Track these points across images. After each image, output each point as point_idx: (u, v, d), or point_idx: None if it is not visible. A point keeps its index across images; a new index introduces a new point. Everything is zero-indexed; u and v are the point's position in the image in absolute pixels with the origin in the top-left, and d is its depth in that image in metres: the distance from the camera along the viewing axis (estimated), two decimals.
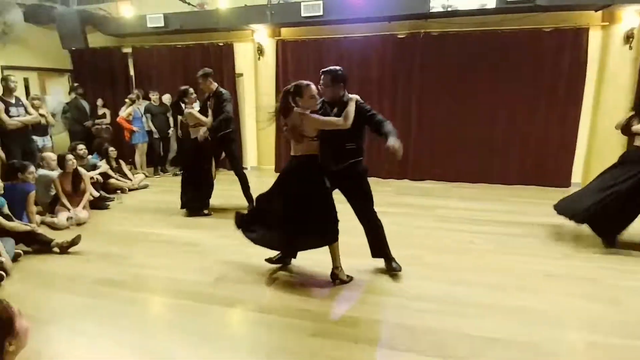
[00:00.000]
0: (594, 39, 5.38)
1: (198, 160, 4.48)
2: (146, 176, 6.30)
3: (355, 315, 2.49)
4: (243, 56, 6.71)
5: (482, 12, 5.30)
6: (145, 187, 5.87)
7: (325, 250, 2.89)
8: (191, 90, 4.42)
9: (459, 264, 3.22)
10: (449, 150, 6.05)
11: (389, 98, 6.19)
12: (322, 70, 2.81)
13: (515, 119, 5.75)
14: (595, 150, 5.53)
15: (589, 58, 5.40)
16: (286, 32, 6.49)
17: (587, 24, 5.34)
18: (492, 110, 5.80)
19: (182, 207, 4.57)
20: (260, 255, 3.26)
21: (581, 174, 5.72)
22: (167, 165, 6.95)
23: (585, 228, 3.77)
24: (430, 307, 2.55)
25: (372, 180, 6.85)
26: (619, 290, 2.80)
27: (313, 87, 2.68)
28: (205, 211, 4.57)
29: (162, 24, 6.39)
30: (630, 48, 5.20)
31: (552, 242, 3.71)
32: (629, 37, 5.18)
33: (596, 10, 5.26)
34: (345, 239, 2.90)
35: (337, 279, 2.87)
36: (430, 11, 5.35)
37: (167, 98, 6.69)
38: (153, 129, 6.56)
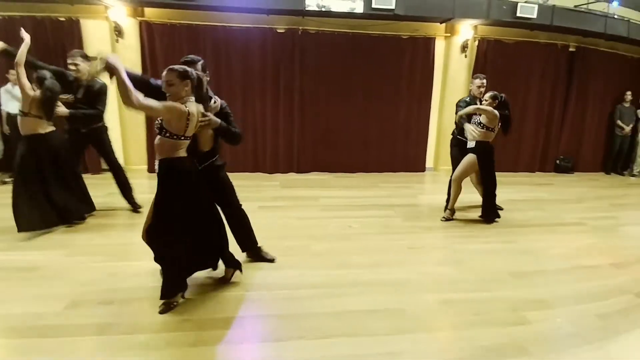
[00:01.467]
0: (440, 47, 6.45)
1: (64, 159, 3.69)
2: None
3: (239, 315, 2.43)
4: (95, 36, 5.61)
5: (352, 15, 5.72)
6: None
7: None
8: None
9: (341, 248, 3.46)
10: (331, 142, 6.40)
11: (272, 91, 6.15)
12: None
13: (383, 114, 6.46)
14: (441, 141, 6.68)
15: (435, 63, 6.46)
16: (151, 13, 5.71)
17: (434, 34, 6.36)
18: (364, 106, 6.37)
19: (55, 223, 3.61)
20: (121, 271, 2.89)
21: (433, 161, 6.86)
22: None
23: (438, 205, 4.57)
24: (313, 293, 2.68)
25: (258, 176, 6.74)
26: (462, 253, 3.46)
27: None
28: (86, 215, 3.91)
29: None
30: (465, 56, 6.44)
31: (414, 219, 4.35)
32: (464, 47, 6.40)
33: (441, 23, 6.29)
34: None
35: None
36: (306, 9, 5.49)
37: None
38: None
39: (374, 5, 5.54)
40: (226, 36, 5.84)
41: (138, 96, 2.12)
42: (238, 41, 5.87)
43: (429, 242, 3.72)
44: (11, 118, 5.35)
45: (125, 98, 2.08)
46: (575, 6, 6.20)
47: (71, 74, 3.70)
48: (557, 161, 7.07)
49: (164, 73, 2.27)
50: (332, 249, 3.42)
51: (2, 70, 5.28)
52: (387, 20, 6.00)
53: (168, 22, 5.70)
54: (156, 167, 2.40)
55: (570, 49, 6.81)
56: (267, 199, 4.82)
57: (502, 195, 4.78)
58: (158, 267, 2.60)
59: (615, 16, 6.34)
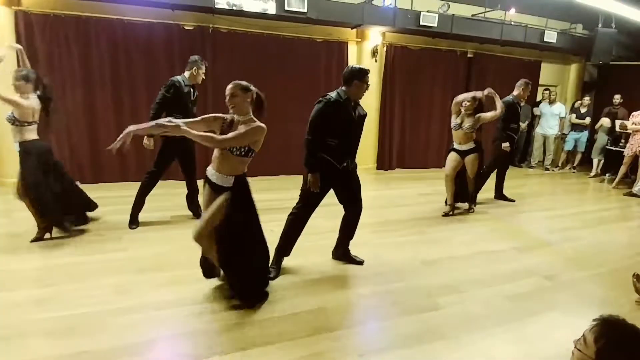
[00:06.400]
0: (352, 51, 6.60)
1: None
2: None
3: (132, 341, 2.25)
4: None
5: (264, 16, 5.58)
6: None
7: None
8: None
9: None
10: None
11: None
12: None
13: (302, 117, 6.39)
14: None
15: None
16: (29, 2, 4.95)
17: (346, 39, 6.48)
18: (282, 108, 6.25)
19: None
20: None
21: None
22: None
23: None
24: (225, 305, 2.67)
25: (169, 183, 6.22)
26: (379, 247, 3.67)
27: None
28: None
29: None
30: (376, 61, 6.68)
31: (336, 219, 4.37)
32: (374, 52, 6.62)
33: (352, 28, 6.44)
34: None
35: None
36: (216, 6, 5.22)
37: None
38: None
39: (286, 8, 5.46)
40: (125, 31, 5.31)
41: (213, 136, 2.29)
42: (139, 37, 5.38)
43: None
44: None
45: (211, 144, 2.29)
46: (473, 15, 6.76)
47: None
48: None
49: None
50: None
51: None
52: (300, 23, 5.97)
53: (51, 13, 4.99)
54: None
55: (469, 55, 7.45)
56: (178, 208, 4.56)
57: (415, 189, 5.39)
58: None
59: (512, 23, 6.90)
